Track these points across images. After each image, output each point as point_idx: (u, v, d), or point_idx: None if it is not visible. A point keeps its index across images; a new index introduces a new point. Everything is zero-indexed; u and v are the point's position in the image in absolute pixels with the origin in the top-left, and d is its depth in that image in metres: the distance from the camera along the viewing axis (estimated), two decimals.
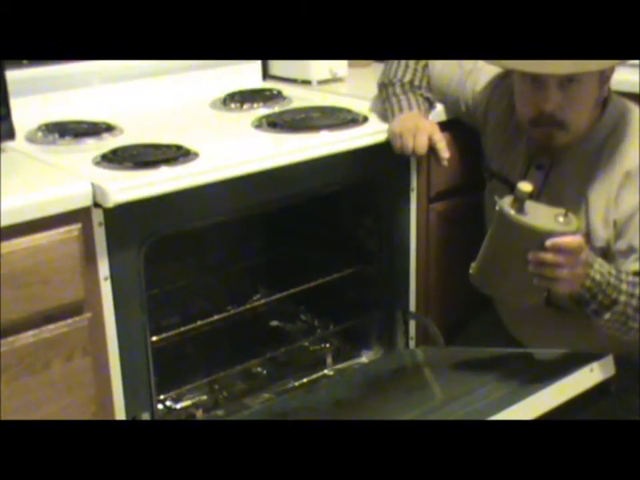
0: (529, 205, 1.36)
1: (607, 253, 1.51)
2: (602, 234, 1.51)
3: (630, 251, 1.49)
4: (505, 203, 1.36)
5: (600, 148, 1.53)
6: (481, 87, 1.71)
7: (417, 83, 1.73)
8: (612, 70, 1.51)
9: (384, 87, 1.75)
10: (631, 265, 1.47)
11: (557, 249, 1.32)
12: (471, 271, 1.47)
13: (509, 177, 1.63)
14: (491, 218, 1.58)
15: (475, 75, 1.71)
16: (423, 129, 1.63)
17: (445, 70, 1.75)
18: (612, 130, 1.53)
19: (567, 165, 1.56)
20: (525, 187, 1.35)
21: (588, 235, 1.52)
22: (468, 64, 1.73)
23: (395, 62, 1.77)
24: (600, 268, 1.41)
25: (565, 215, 1.36)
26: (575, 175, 1.55)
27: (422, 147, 1.61)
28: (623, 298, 1.42)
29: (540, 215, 1.35)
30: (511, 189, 1.54)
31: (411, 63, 1.76)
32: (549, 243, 1.32)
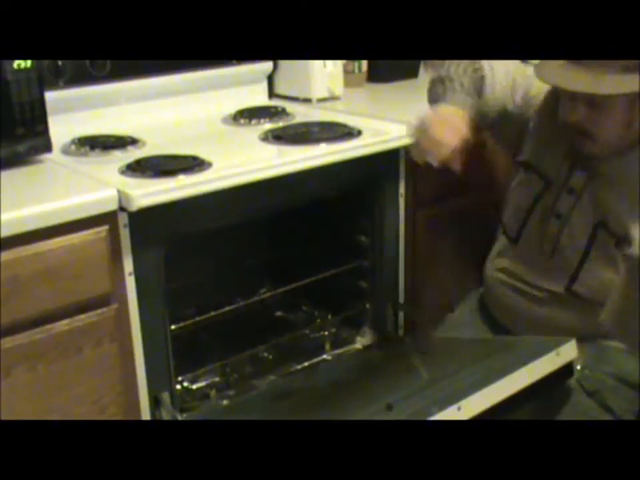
0: None
1: None
2: None
3: None
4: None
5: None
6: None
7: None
8: None
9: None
10: None
11: None
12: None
13: (547, 172, 1.57)
14: (516, 208, 1.61)
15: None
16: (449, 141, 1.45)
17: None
18: None
19: (614, 170, 1.49)
20: None
21: (626, 242, 1.47)
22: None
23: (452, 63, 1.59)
24: None
25: None
26: (622, 180, 1.48)
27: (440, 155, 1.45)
28: None
29: None
30: (547, 183, 1.55)
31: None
32: None
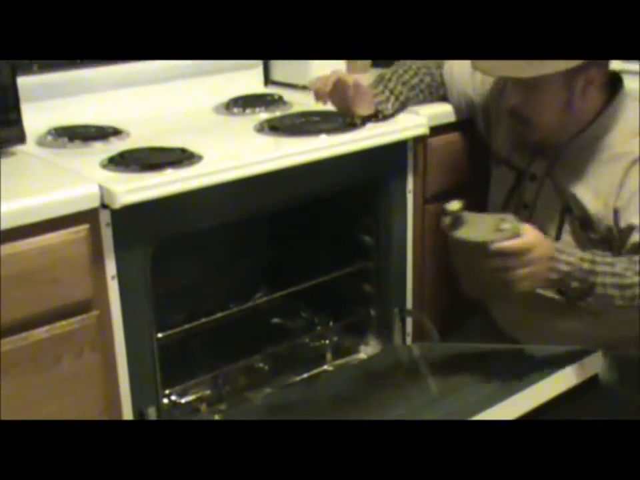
0: (472, 216, 1.39)
1: (610, 240, 1.52)
2: (603, 221, 1.52)
3: (629, 229, 1.49)
4: (446, 222, 1.39)
5: (605, 138, 1.54)
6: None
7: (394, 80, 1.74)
8: (581, 72, 1.47)
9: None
10: (631, 239, 1.48)
11: (503, 254, 1.36)
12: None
13: (515, 162, 1.65)
14: (493, 206, 1.71)
15: None
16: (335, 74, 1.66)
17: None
18: (616, 121, 1.54)
19: (572, 153, 1.56)
20: (453, 206, 1.38)
21: (589, 222, 1.54)
22: None
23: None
24: (567, 258, 1.42)
25: (506, 220, 1.38)
26: (579, 163, 1.56)
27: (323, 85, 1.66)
28: (599, 280, 1.42)
29: (481, 226, 1.38)
30: (517, 174, 1.64)
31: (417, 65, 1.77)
32: (493, 249, 1.36)
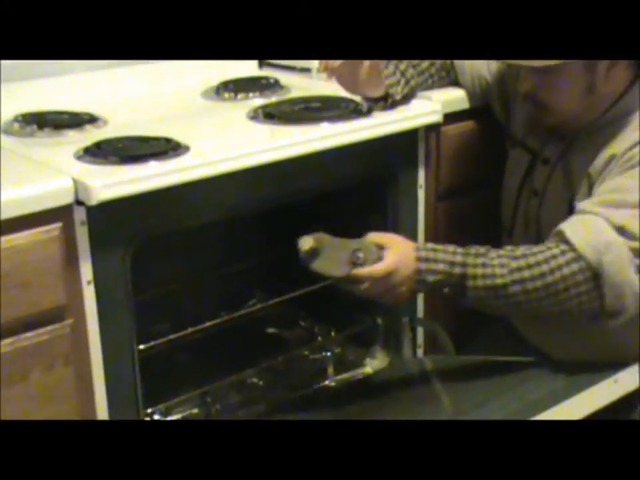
0: (330, 244, 1.50)
1: None
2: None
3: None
4: (304, 253, 1.51)
5: (623, 122, 1.57)
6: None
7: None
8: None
9: None
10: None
11: (356, 282, 1.48)
12: None
13: (531, 145, 1.70)
14: (508, 193, 1.76)
15: None
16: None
17: None
18: (631, 109, 1.58)
19: (588, 138, 1.59)
20: (305, 245, 1.48)
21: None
22: None
23: None
24: (434, 267, 1.48)
25: (360, 250, 1.49)
26: (593, 148, 1.58)
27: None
28: (470, 284, 1.47)
29: (337, 259, 1.50)
30: (533, 156, 1.70)
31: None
32: (349, 277, 1.48)
